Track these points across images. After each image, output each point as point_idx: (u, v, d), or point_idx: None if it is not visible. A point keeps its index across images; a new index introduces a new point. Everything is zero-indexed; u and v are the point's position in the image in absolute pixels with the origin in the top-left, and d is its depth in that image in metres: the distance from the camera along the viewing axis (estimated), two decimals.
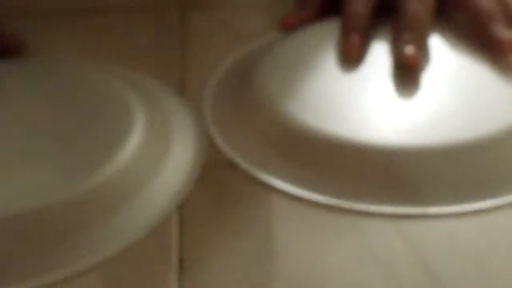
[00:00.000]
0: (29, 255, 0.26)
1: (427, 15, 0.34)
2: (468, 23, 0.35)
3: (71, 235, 0.27)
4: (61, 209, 0.27)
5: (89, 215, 0.27)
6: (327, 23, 0.38)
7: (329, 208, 0.28)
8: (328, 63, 0.35)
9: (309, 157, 0.30)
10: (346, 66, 0.34)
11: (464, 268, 0.25)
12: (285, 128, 0.31)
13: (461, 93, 0.32)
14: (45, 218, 0.26)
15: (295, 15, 0.39)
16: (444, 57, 0.34)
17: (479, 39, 0.34)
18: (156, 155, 0.31)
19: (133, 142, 0.29)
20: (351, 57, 0.34)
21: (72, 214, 0.27)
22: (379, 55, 0.34)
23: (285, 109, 0.31)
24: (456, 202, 0.28)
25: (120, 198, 0.29)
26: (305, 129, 0.30)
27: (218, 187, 0.30)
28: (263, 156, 0.31)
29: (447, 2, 0.36)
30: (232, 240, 0.27)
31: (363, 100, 0.32)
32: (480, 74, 0.33)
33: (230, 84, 0.36)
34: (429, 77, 0.33)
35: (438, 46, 0.35)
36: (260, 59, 0.35)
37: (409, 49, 0.32)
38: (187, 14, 0.44)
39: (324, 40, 0.36)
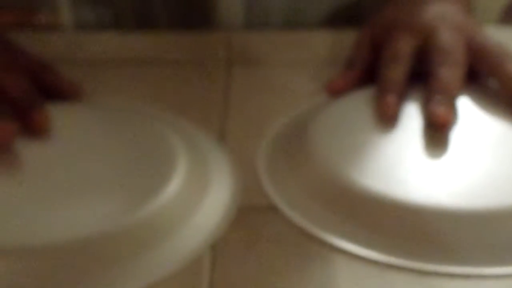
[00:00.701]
0: (77, 280, 0.29)
1: (458, 79, 0.37)
2: (502, 88, 0.37)
3: (111, 266, 0.29)
4: (105, 240, 0.29)
5: (129, 248, 0.30)
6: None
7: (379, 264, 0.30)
8: (375, 125, 0.37)
9: (352, 212, 0.32)
10: (388, 129, 0.37)
11: None
12: (332, 184, 0.33)
13: (505, 159, 0.33)
14: (92, 247, 0.29)
15: (342, 79, 0.42)
16: (487, 122, 0.36)
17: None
18: (195, 196, 0.34)
19: (175, 183, 0.32)
20: (387, 116, 0.36)
21: (116, 246, 0.29)
22: (417, 118, 0.37)
23: (335, 166, 0.33)
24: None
25: (159, 234, 0.31)
26: (353, 187, 0.32)
27: (257, 230, 0.32)
28: (308, 206, 0.33)
29: (478, 68, 0.39)
30: (264, 281, 0.29)
31: (411, 162, 0.34)
32: None
33: (285, 138, 0.39)
34: (473, 141, 0.35)
35: (480, 112, 0.37)
36: (313, 119, 0.38)
37: (440, 109, 0.34)
38: (233, 69, 0.47)
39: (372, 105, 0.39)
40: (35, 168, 0.35)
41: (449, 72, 0.36)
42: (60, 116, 0.38)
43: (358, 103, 0.40)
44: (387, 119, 0.36)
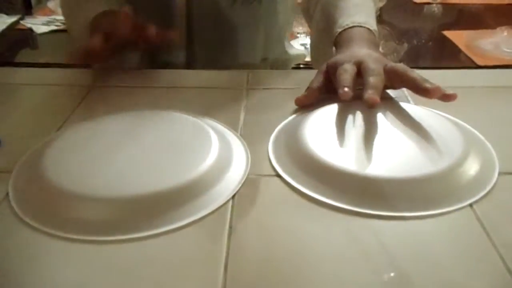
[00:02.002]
0: (153, 219, 0.41)
1: (379, 82, 0.54)
2: (411, 88, 0.55)
3: (175, 207, 0.42)
4: (171, 192, 0.42)
5: (185, 196, 0.42)
6: (343, 104, 0.55)
7: (326, 205, 0.42)
8: (339, 122, 0.52)
9: (323, 177, 0.45)
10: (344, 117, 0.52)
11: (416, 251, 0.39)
12: (313, 160, 0.46)
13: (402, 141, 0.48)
14: (164, 196, 0.42)
15: (305, 95, 0.59)
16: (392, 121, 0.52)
17: (419, 93, 0.53)
18: (224, 165, 0.47)
19: (211, 157, 0.46)
20: (345, 99, 0.51)
21: (177, 195, 0.42)
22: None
23: (314, 151, 0.47)
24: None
25: (202, 188, 0.44)
26: (320, 161, 0.45)
27: (263, 188, 0.45)
28: (299, 173, 0.46)
29: (392, 82, 0.57)
30: (266, 216, 0.41)
31: (348, 140, 0.48)
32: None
33: (284, 134, 0.53)
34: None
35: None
36: (302, 122, 0.52)
37: (372, 96, 0.51)
38: (251, 90, 0.64)
39: (341, 112, 0.54)
40: (127, 147, 0.48)
41: (375, 79, 0.53)
42: (142, 118, 0.53)
43: (337, 111, 0.54)
44: (345, 100, 0.52)
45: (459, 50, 1.35)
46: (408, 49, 1.46)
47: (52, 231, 0.40)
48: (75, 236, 0.40)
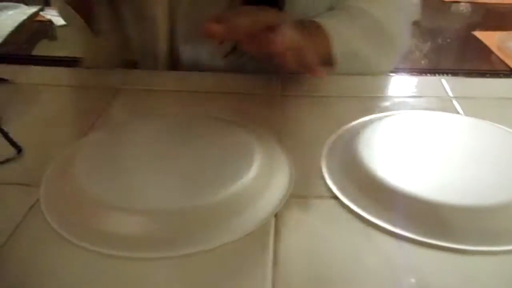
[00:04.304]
0: (193, 234, 0.38)
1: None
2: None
3: (217, 222, 0.39)
4: (208, 208, 0.39)
5: (225, 212, 0.40)
6: (403, 116, 0.52)
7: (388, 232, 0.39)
8: (401, 138, 0.48)
9: (385, 201, 0.41)
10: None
11: None
12: (376, 180, 0.42)
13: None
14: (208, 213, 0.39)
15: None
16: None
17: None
18: (266, 178, 0.44)
19: (254, 168, 0.43)
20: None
21: (215, 211, 0.39)
22: None
23: (375, 169, 0.43)
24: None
25: (242, 204, 0.41)
26: (387, 184, 0.41)
27: (308, 206, 0.42)
28: (358, 195, 0.42)
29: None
30: (311, 239, 0.38)
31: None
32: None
33: (339, 148, 0.49)
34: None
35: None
36: (359, 134, 0.48)
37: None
38: (286, 96, 0.60)
39: (401, 126, 0.50)
40: (163, 155, 0.45)
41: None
42: (177, 123, 0.51)
43: (394, 124, 0.51)
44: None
45: (490, 52, 1.31)
46: (433, 49, 1.42)
47: (83, 244, 0.38)
48: (106, 251, 0.37)
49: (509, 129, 0.51)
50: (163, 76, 0.67)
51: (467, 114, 0.55)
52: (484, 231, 0.38)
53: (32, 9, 1.46)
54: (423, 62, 1.36)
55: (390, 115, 0.53)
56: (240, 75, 0.66)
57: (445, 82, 0.63)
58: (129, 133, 0.50)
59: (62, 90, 0.64)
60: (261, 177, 0.44)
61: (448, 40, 1.48)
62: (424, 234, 0.39)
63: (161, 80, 0.66)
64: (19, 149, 0.49)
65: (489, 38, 1.38)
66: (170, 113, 0.55)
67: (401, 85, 0.65)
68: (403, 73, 0.74)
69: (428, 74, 0.71)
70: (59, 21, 1.42)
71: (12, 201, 0.43)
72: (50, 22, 1.42)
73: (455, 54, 1.45)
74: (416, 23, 1.64)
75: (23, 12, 1.43)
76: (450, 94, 0.61)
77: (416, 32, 1.53)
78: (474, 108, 0.56)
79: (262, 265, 0.36)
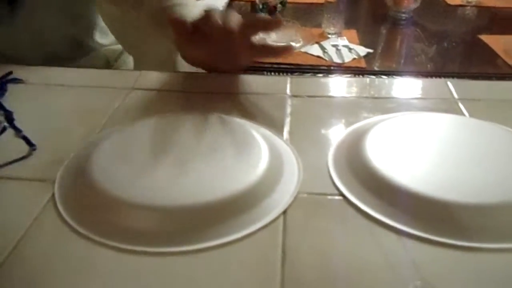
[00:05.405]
0: (202, 230, 0.39)
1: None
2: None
3: (228, 218, 0.40)
4: (219, 204, 0.40)
5: (231, 211, 0.40)
6: (409, 117, 0.53)
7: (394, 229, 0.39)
8: (407, 137, 0.49)
9: (392, 199, 0.42)
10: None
11: None
12: (382, 179, 0.43)
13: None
14: (212, 208, 0.40)
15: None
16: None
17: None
18: (275, 176, 0.45)
19: (263, 166, 0.44)
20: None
21: (223, 208, 0.40)
22: None
23: (381, 168, 0.43)
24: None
25: (251, 202, 0.42)
26: (392, 182, 0.42)
27: (316, 203, 0.43)
28: (364, 193, 0.43)
29: None
30: (319, 236, 0.39)
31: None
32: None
33: (346, 148, 0.50)
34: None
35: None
36: (366, 134, 0.49)
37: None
38: (292, 98, 0.61)
39: (407, 128, 0.51)
40: (175, 152, 0.46)
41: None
42: (187, 121, 0.52)
43: (400, 125, 0.51)
44: None
45: (496, 55, 1.32)
46: (439, 52, 1.42)
47: (97, 238, 0.39)
48: (120, 245, 0.38)
49: None
50: (172, 77, 0.68)
51: (472, 115, 0.56)
52: (487, 229, 0.39)
53: None
54: (429, 66, 1.37)
55: (396, 116, 0.54)
56: (249, 75, 0.67)
57: (450, 85, 0.64)
58: (142, 131, 0.51)
59: (74, 90, 0.65)
60: (270, 175, 0.44)
61: (454, 44, 1.49)
62: (429, 231, 0.39)
63: (171, 81, 0.67)
64: (33, 147, 0.51)
65: (495, 41, 1.38)
66: (182, 112, 0.56)
67: (407, 87, 0.66)
68: (407, 76, 0.75)
69: (434, 77, 0.72)
70: None
71: (28, 197, 0.44)
72: None
73: (461, 57, 1.45)
74: (422, 27, 1.65)
75: None
76: (456, 96, 0.61)
77: (422, 35, 1.54)
78: (479, 110, 0.56)
79: (271, 261, 0.37)
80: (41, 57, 0.80)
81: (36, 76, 0.67)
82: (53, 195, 0.44)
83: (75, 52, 0.87)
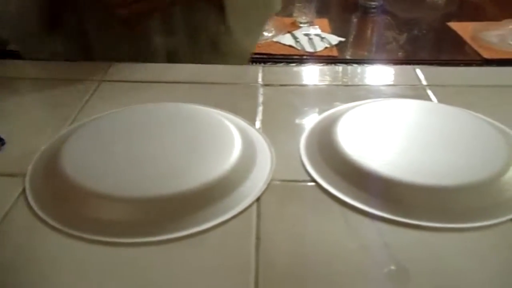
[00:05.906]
0: (177, 221, 0.39)
1: None
2: None
3: (201, 207, 0.40)
4: (192, 194, 0.40)
5: (207, 199, 0.40)
6: (378, 103, 0.54)
7: (363, 212, 0.40)
8: (375, 123, 0.49)
9: (356, 182, 0.43)
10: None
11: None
12: (353, 164, 0.44)
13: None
14: (193, 198, 0.40)
15: None
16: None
17: None
18: (247, 164, 0.45)
19: (236, 154, 0.44)
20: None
21: (214, 197, 0.40)
22: None
23: (351, 154, 0.44)
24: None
25: (226, 189, 0.42)
26: (362, 167, 0.43)
27: (289, 190, 0.43)
28: (335, 178, 0.44)
29: None
30: (292, 221, 0.40)
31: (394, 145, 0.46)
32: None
33: (317, 135, 0.50)
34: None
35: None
36: (336, 121, 0.50)
37: None
38: (264, 87, 0.61)
39: (376, 114, 0.51)
40: (146, 143, 0.46)
41: None
42: (159, 111, 0.52)
43: (370, 111, 0.52)
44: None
45: (464, 42, 1.34)
46: (409, 40, 1.44)
47: (70, 231, 0.39)
48: (93, 237, 0.38)
49: (479, 115, 0.53)
50: (144, 68, 0.68)
51: (440, 101, 0.57)
52: (448, 209, 0.41)
53: None
54: (399, 53, 1.39)
55: (365, 103, 0.55)
56: (219, 66, 0.68)
57: (419, 71, 0.65)
58: (112, 123, 0.51)
59: (41, 83, 0.64)
60: (243, 164, 0.45)
61: (424, 31, 1.51)
62: (400, 214, 0.41)
63: (142, 72, 0.67)
64: (2, 141, 0.50)
65: (463, 28, 1.41)
66: (151, 103, 0.56)
67: (378, 75, 0.67)
68: (379, 63, 0.76)
69: (404, 64, 0.73)
70: None
71: None
72: None
73: (431, 45, 1.48)
74: (393, 15, 1.66)
75: None
76: (424, 82, 0.63)
77: (393, 23, 1.55)
78: (447, 95, 0.58)
79: (246, 247, 0.38)
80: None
81: (4, 70, 0.66)
82: (24, 189, 0.43)
83: None
